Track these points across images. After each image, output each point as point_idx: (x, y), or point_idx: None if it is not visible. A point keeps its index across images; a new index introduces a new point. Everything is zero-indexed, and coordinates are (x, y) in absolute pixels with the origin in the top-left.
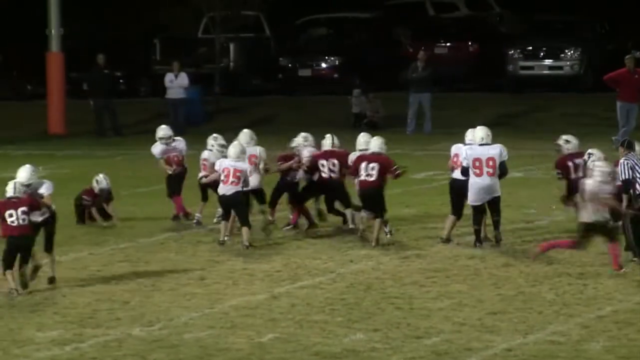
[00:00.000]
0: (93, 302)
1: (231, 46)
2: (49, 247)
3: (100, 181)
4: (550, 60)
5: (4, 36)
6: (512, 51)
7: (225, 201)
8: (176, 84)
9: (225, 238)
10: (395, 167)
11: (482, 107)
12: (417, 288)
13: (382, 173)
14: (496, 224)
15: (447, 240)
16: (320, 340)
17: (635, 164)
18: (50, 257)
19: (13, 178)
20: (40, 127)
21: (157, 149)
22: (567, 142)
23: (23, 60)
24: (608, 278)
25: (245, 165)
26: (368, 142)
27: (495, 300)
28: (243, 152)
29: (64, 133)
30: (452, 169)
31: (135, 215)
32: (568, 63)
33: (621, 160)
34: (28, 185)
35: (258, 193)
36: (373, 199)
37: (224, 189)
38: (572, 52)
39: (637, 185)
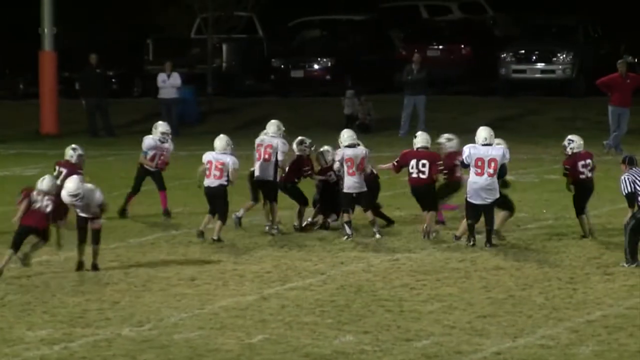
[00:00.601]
0: (83, 301)
1: (224, 47)
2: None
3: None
4: (543, 64)
5: None
6: (505, 54)
7: (208, 193)
8: (169, 84)
9: (203, 228)
10: (439, 162)
11: (475, 110)
12: (408, 290)
13: (432, 169)
14: (489, 234)
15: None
16: (310, 341)
17: (636, 179)
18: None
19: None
20: (32, 126)
21: (148, 142)
22: (571, 142)
23: (16, 59)
24: (598, 283)
25: (227, 158)
26: (352, 138)
27: (485, 304)
28: (228, 144)
29: (56, 132)
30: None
31: (126, 215)
32: (560, 67)
33: (623, 177)
34: (76, 196)
35: (268, 185)
36: (427, 196)
37: (207, 182)
38: (564, 55)
39: None
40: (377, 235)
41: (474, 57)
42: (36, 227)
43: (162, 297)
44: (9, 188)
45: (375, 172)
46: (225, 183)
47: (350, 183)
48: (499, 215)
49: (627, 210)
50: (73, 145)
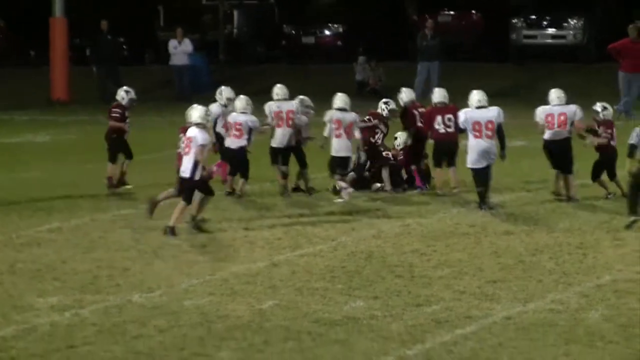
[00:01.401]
0: (94, 268)
1: (235, 13)
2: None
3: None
4: (554, 30)
5: (7, 1)
6: (516, 20)
7: (228, 154)
8: (180, 50)
9: (229, 190)
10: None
11: (486, 77)
12: (418, 256)
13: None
14: (481, 196)
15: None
16: (320, 307)
17: None
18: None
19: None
20: (44, 93)
21: (215, 110)
22: (605, 109)
23: (27, 25)
24: (608, 247)
25: (246, 118)
26: (345, 102)
27: (495, 269)
28: (248, 103)
29: (67, 99)
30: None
31: (138, 182)
32: (571, 32)
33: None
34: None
35: (294, 151)
36: (453, 150)
37: (228, 142)
38: (575, 21)
39: None
40: (339, 200)
41: (485, 23)
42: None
43: (173, 263)
44: (22, 157)
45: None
46: (245, 143)
47: (338, 146)
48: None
49: None
50: (125, 88)
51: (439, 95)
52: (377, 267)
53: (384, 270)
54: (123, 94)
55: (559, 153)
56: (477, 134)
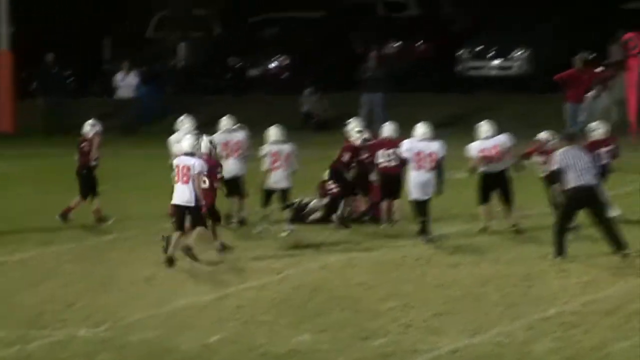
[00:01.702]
0: (39, 303)
1: (181, 46)
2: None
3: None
4: (500, 60)
5: None
6: (462, 51)
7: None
8: (126, 83)
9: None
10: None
11: (433, 107)
12: (364, 289)
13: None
14: (423, 227)
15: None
16: (266, 341)
17: (570, 158)
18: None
19: None
20: None
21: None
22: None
23: None
24: (553, 279)
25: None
26: (278, 134)
27: (441, 302)
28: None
29: (13, 132)
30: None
31: (84, 215)
32: (517, 63)
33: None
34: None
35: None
36: (398, 183)
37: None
38: (521, 52)
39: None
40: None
41: (430, 53)
42: None
43: (120, 297)
44: None
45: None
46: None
47: (277, 178)
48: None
49: None
50: (91, 121)
51: (388, 130)
52: (324, 300)
53: (330, 303)
54: (89, 127)
55: (493, 185)
56: (419, 164)
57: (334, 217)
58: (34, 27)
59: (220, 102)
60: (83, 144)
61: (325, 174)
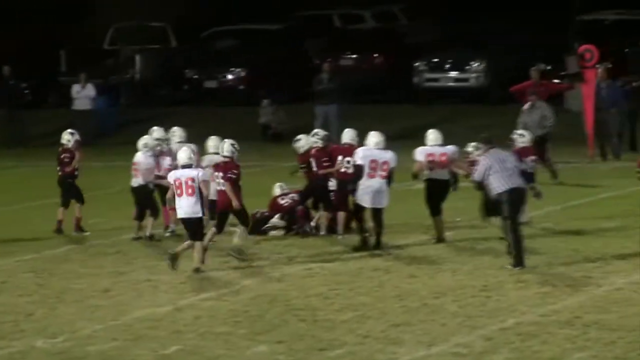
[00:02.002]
0: None
1: (137, 57)
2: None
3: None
4: (456, 72)
5: None
6: (418, 63)
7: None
8: (83, 95)
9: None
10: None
11: (389, 119)
12: (321, 300)
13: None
14: (378, 235)
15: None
16: (224, 352)
17: (494, 163)
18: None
19: None
20: None
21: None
22: (478, 148)
23: None
24: (511, 290)
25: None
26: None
27: (399, 312)
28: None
29: None
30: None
31: (40, 227)
32: (473, 75)
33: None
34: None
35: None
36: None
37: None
38: (477, 64)
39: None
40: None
41: (387, 65)
42: None
43: (76, 308)
44: None
45: None
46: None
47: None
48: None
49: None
50: (70, 130)
51: (348, 136)
52: (281, 311)
53: (288, 314)
54: (69, 137)
55: (439, 193)
56: (373, 172)
57: (307, 227)
58: None
59: (178, 114)
60: (64, 155)
61: (276, 189)
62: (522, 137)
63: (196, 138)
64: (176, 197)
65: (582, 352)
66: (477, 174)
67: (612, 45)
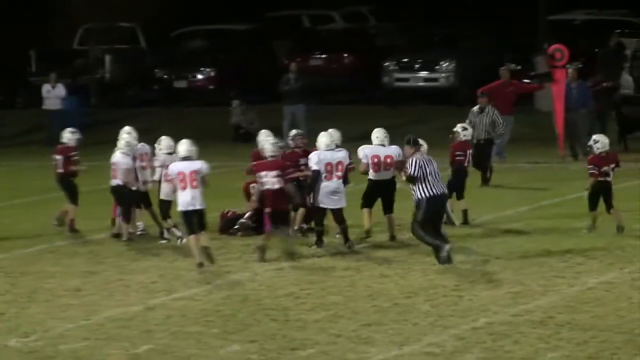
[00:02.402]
0: None
1: (106, 58)
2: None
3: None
4: (426, 72)
5: None
6: (388, 63)
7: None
8: (53, 94)
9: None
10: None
11: (358, 120)
12: (293, 299)
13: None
14: (345, 232)
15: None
16: (195, 351)
17: (425, 163)
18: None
19: None
20: None
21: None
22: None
23: None
24: (483, 290)
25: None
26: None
27: (370, 312)
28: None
29: None
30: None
31: (11, 227)
32: (443, 75)
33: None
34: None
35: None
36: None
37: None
38: (447, 64)
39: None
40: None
41: (357, 66)
42: None
43: (48, 307)
44: None
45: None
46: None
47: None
48: None
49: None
50: (70, 129)
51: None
52: (252, 310)
53: (259, 314)
54: (70, 135)
55: (385, 193)
56: (329, 174)
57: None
58: None
59: (147, 115)
60: (71, 153)
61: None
62: (465, 131)
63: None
64: (178, 190)
65: (555, 352)
66: (412, 169)
67: (582, 45)
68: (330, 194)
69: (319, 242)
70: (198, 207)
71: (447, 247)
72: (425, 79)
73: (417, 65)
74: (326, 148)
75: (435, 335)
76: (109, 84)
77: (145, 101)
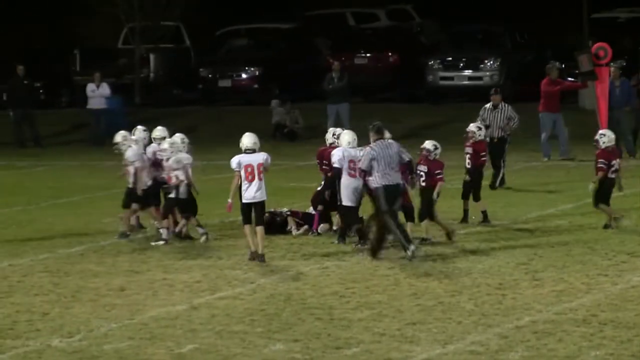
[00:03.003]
0: (13, 313)
1: (151, 57)
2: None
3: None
4: (470, 71)
5: None
6: (432, 61)
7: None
8: (98, 94)
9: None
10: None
11: (402, 118)
12: (337, 298)
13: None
14: (360, 231)
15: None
16: (240, 350)
17: (377, 155)
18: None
19: None
20: None
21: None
22: (436, 148)
23: None
24: (526, 288)
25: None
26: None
27: (414, 311)
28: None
29: None
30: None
31: (54, 226)
32: (487, 73)
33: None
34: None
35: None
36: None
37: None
38: (491, 62)
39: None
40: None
41: (401, 64)
42: None
43: (92, 307)
44: None
45: None
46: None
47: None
48: None
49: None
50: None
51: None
52: (297, 309)
53: (304, 313)
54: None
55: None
56: (353, 172)
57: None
58: (4, 40)
59: (190, 113)
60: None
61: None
62: (480, 130)
63: (208, 137)
64: (244, 183)
65: (598, 350)
66: (362, 163)
67: (626, 43)
68: (351, 191)
69: (362, 242)
70: (262, 198)
71: (412, 247)
72: (470, 78)
73: (461, 64)
74: (348, 146)
75: (479, 333)
76: (153, 83)
77: (189, 100)
